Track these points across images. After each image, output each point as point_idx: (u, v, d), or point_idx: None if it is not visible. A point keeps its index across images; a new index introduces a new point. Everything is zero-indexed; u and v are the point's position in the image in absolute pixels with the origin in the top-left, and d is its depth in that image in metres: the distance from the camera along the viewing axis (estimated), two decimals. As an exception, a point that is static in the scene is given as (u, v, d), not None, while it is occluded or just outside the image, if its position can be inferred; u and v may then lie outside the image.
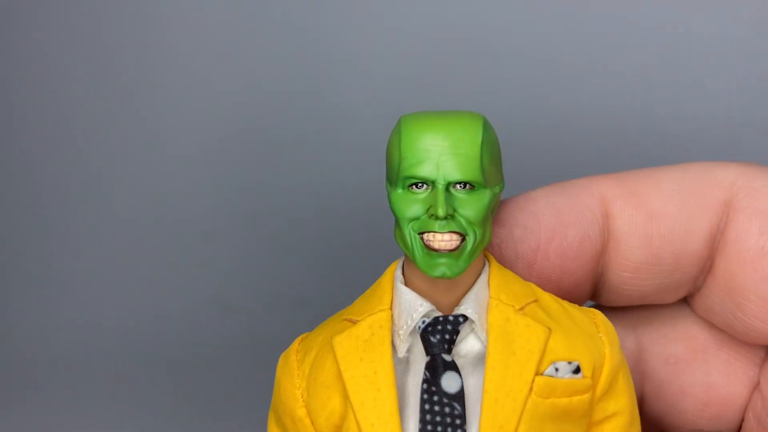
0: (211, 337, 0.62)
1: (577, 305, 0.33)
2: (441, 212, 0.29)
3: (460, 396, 0.29)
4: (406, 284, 0.31)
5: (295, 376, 0.31)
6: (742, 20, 0.53)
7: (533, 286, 0.32)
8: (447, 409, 0.29)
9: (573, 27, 0.55)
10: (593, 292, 0.37)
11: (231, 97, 0.61)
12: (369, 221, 0.57)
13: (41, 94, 0.64)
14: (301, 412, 0.31)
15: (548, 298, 0.32)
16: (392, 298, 0.31)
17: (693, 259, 0.35)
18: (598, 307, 0.38)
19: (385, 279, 0.32)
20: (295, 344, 0.32)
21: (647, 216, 0.35)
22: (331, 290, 0.56)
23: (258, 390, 0.55)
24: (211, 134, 0.62)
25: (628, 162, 0.38)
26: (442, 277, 0.29)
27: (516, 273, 0.35)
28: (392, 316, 0.30)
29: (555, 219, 0.35)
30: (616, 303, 0.37)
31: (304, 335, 0.33)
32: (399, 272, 0.32)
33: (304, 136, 0.60)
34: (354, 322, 0.31)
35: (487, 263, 0.32)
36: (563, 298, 0.36)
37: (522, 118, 0.48)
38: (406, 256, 0.31)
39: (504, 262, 0.35)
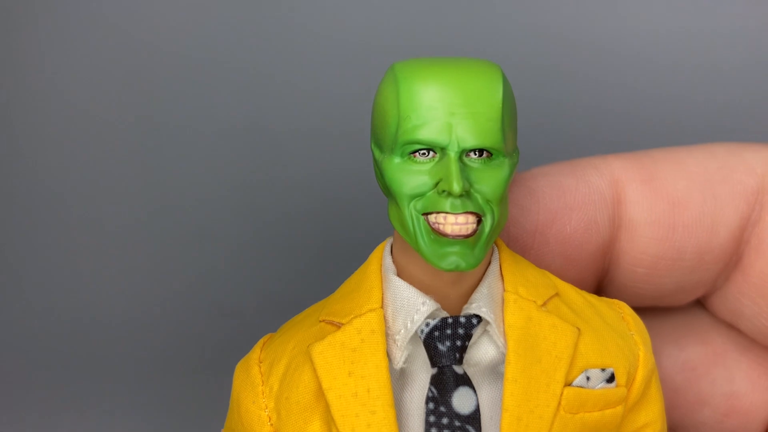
0: (209, 337, 0.60)
1: (600, 297, 0.27)
2: (457, 188, 0.22)
3: (475, 417, 0.23)
4: (399, 275, 0.25)
5: (259, 393, 0.25)
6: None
7: (550, 275, 0.26)
8: None
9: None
10: (596, 291, 0.32)
11: (228, 96, 0.59)
12: (369, 222, 0.53)
13: (40, 92, 0.62)
14: None
15: (569, 290, 0.26)
16: (383, 293, 0.25)
17: (718, 254, 0.30)
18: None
19: (371, 269, 0.25)
20: (257, 351, 0.26)
21: (669, 202, 0.30)
22: (330, 290, 0.55)
23: None
24: (209, 134, 0.60)
25: (639, 143, 0.34)
26: (456, 270, 0.23)
27: None
28: (385, 316, 0.24)
29: (558, 200, 0.30)
30: (627, 303, 0.32)
31: (267, 338, 0.26)
32: (388, 259, 0.25)
33: (303, 136, 0.57)
34: (337, 326, 0.24)
35: (496, 248, 0.26)
36: None
37: (526, 93, 0.46)
38: (396, 239, 0.25)
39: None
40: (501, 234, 0.29)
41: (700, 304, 0.33)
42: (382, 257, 0.25)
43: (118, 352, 0.61)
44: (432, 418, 0.23)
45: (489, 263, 0.25)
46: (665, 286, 0.31)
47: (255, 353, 0.26)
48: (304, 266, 0.58)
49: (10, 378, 0.61)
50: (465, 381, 0.23)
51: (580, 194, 0.30)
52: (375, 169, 0.25)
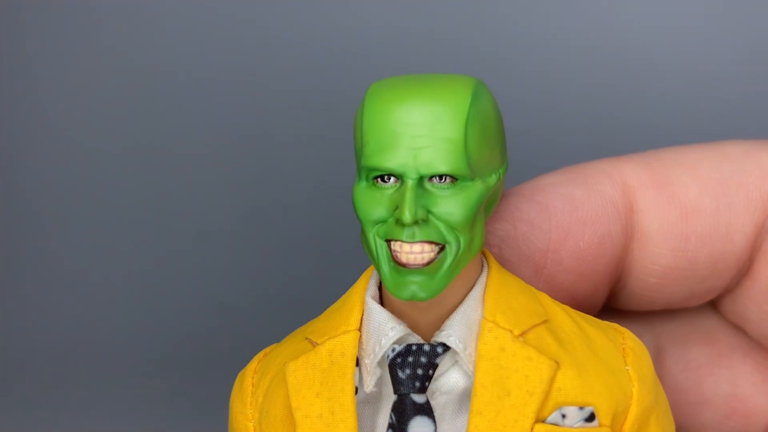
0: (209, 337, 0.60)
1: (601, 323, 0.26)
2: (408, 217, 0.22)
3: None
4: (381, 299, 0.24)
5: (247, 404, 0.25)
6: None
7: (545, 298, 0.25)
8: None
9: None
10: (608, 298, 0.31)
11: (228, 98, 0.59)
12: None
13: (42, 94, 0.63)
14: None
15: (563, 317, 0.25)
16: (362, 316, 0.24)
17: (731, 262, 0.29)
18: (618, 319, 0.32)
19: (356, 290, 0.25)
20: (254, 362, 0.26)
21: (682, 211, 0.28)
22: (329, 290, 0.56)
23: None
24: (209, 135, 0.60)
25: (643, 146, 0.32)
26: (413, 299, 0.22)
27: (521, 277, 0.28)
28: (360, 339, 0.24)
29: (570, 215, 0.28)
30: (636, 308, 0.31)
31: (267, 350, 0.26)
32: (373, 282, 0.25)
33: (302, 137, 0.58)
34: (314, 345, 0.24)
35: (486, 268, 0.25)
36: (576, 307, 0.29)
37: (529, 99, 0.44)
38: None
39: (505, 266, 0.28)
40: (512, 252, 0.28)
41: (709, 303, 0.32)
42: (368, 279, 0.25)
43: (118, 351, 0.61)
44: None
45: (473, 287, 0.24)
46: (677, 295, 0.30)
47: (252, 364, 0.26)
48: (305, 267, 0.59)
49: (10, 378, 0.62)
50: (424, 411, 0.23)
51: (593, 207, 0.28)
52: None
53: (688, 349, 0.32)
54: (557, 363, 0.23)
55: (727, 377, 0.32)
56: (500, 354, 0.23)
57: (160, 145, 0.61)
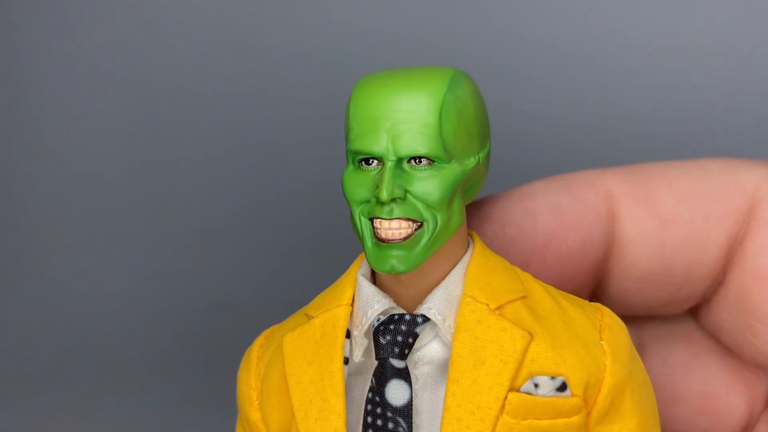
0: (209, 337, 0.60)
1: (581, 301, 0.27)
2: (385, 195, 0.24)
3: (406, 411, 0.24)
4: (372, 276, 0.26)
5: (252, 375, 0.27)
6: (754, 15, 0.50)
7: (527, 277, 0.27)
8: (391, 425, 0.24)
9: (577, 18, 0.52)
10: (589, 300, 0.33)
11: (228, 98, 0.59)
12: None
13: (42, 95, 0.63)
14: (255, 415, 0.27)
15: (542, 295, 0.26)
16: (354, 292, 0.26)
17: (705, 271, 0.31)
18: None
19: (352, 269, 0.27)
20: (261, 337, 0.28)
21: (660, 220, 0.30)
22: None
23: None
24: (210, 135, 0.60)
25: (633, 156, 0.34)
26: (392, 272, 0.24)
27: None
28: (351, 313, 0.26)
29: (555, 220, 0.30)
30: (617, 313, 0.33)
31: (275, 327, 0.28)
32: (365, 262, 0.27)
33: (303, 133, 0.58)
34: (309, 318, 0.26)
35: (471, 247, 0.26)
36: None
37: (523, 108, 0.45)
38: None
39: None
40: (499, 252, 0.30)
41: (688, 312, 0.34)
42: (363, 259, 0.27)
43: (118, 351, 0.61)
44: (369, 407, 0.25)
45: (456, 264, 0.26)
46: (655, 300, 0.32)
47: (260, 339, 0.28)
48: (305, 267, 0.59)
49: (10, 378, 0.61)
50: (401, 375, 0.25)
51: (576, 213, 0.30)
52: None
53: (667, 347, 0.34)
54: (531, 335, 0.24)
55: (701, 376, 0.33)
56: (476, 326, 0.24)
57: (159, 145, 0.61)
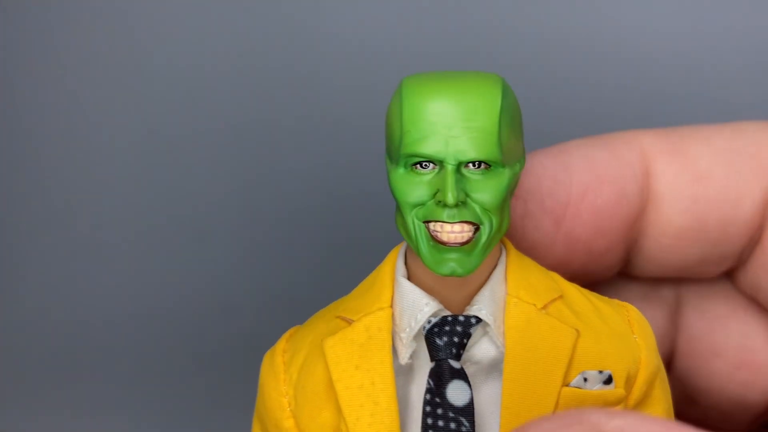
0: (209, 336, 0.60)
1: (606, 299, 0.28)
2: (451, 199, 0.24)
3: (468, 410, 0.25)
4: (409, 277, 0.27)
5: (281, 381, 0.27)
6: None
7: (557, 277, 0.28)
8: (453, 425, 0.24)
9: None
10: (625, 261, 0.33)
11: (227, 94, 0.59)
12: (370, 219, 0.54)
13: (41, 91, 0.62)
14: (287, 423, 0.26)
15: (574, 292, 0.27)
16: (393, 293, 0.26)
17: (741, 228, 0.31)
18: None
19: (385, 270, 0.27)
20: (282, 342, 0.28)
21: (693, 176, 0.31)
22: (331, 289, 0.54)
23: (256, 389, 0.55)
24: (208, 132, 0.60)
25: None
26: (452, 275, 0.25)
27: (542, 229, 0.31)
28: (393, 315, 0.26)
29: (590, 173, 0.31)
30: (651, 273, 0.33)
31: (293, 330, 0.28)
32: (401, 263, 0.27)
33: (303, 133, 0.57)
34: (349, 322, 0.26)
35: (503, 251, 0.27)
36: (593, 262, 0.32)
37: (534, 97, 0.45)
38: (408, 244, 0.27)
39: (529, 216, 0.31)
40: (535, 204, 0.31)
41: (726, 276, 0.34)
42: (396, 260, 0.27)
43: (118, 351, 0.60)
44: (428, 409, 0.25)
45: (495, 266, 0.27)
46: (690, 257, 0.32)
47: (281, 344, 0.28)
48: (306, 265, 0.59)
49: (10, 378, 0.61)
50: (460, 375, 0.25)
51: (612, 168, 0.31)
52: (388, 178, 0.27)
53: (705, 301, 0.34)
54: (577, 331, 0.26)
55: (739, 330, 0.33)
56: (527, 325, 0.25)
57: (161, 144, 0.60)
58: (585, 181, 0.31)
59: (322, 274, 0.58)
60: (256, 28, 0.57)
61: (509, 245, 0.28)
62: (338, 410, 0.25)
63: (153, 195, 0.61)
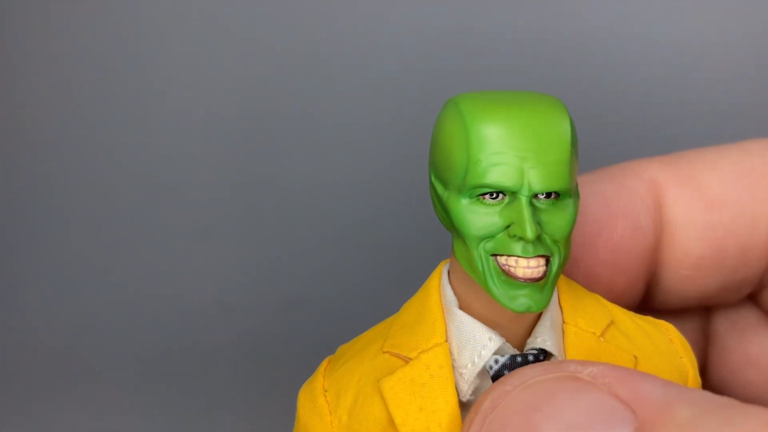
0: (210, 337, 0.59)
1: (648, 318, 0.27)
2: (530, 234, 0.22)
3: None
4: (461, 307, 0.25)
5: (327, 423, 0.25)
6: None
7: (602, 299, 0.27)
8: None
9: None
10: (644, 295, 0.32)
11: (228, 93, 0.58)
12: (370, 220, 0.54)
13: (41, 89, 0.61)
14: None
15: (622, 316, 0.26)
16: (446, 325, 0.25)
17: (761, 251, 0.30)
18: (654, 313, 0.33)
19: (433, 299, 0.25)
20: (320, 378, 0.26)
21: (706, 202, 0.30)
22: (331, 289, 0.55)
23: (257, 390, 0.54)
24: (209, 132, 0.59)
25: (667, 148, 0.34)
26: (528, 311, 0.23)
27: None
28: (450, 349, 0.24)
29: (602, 209, 0.30)
30: (671, 305, 0.32)
31: (327, 363, 0.26)
32: (449, 290, 0.25)
33: (304, 133, 0.57)
34: (404, 360, 0.25)
35: None
36: (615, 301, 0.31)
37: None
38: (456, 270, 0.25)
39: None
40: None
41: (749, 299, 0.33)
42: (441, 286, 0.25)
43: (118, 351, 0.60)
44: None
45: None
46: (710, 287, 0.31)
47: (318, 381, 0.26)
48: (306, 267, 0.58)
49: (10, 378, 0.61)
50: None
51: (622, 201, 0.30)
52: (434, 200, 0.25)
53: (736, 310, 0.33)
54: (636, 357, 0.25)
55: None
56: (589, 354, 0.24)
57: (158, 143, 0.60)
58: (598, 217, 0.30)
59: (322, 276, 0.57)
60: (259, 30, 0.57)
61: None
62: None
63: (154, 197, 0.60)
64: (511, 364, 0.24)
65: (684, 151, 0.32)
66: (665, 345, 0.26)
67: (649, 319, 0.27)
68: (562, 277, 0.26)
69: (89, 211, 0.61)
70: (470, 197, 0.23)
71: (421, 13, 0.54)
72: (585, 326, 0.25)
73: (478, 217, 0.23)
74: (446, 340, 0.24)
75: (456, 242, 0.24)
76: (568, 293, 0.26)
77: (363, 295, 0.51)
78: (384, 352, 0.25)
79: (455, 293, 0.25)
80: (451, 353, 0.24)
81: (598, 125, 0.50)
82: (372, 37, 0.55)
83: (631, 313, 0.27)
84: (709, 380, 0.34)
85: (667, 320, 0.32)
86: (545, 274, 0.23)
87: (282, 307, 0.57)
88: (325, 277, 0.56)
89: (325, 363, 0.26)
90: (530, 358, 0.24)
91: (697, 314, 0.34)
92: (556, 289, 0.26)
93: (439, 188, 0.24)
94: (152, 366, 0.59)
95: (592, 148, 0.42)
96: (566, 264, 0.24)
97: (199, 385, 0.57)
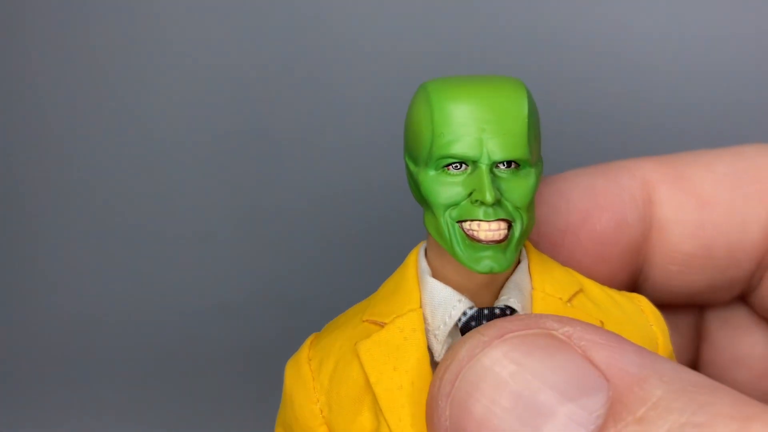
0: (210, 337, 0.60)
1: (622, 292, 0.28)
2: (489, 198, 0.24)
3: None
4: (434, 276, 0.27)
5: (311, 389, 0.27)
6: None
7: (574, 272, 0.28)
8: None
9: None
10: (631, 289, 0.32)
11: (228, 95, 0.60)
12: (369, 219, 0.54)
13: (35, 91, 0.63)
14: (321, 430, 0.26)
15: (592, 286, 0.28)
16: (421, 293, 0.27)
17: (749, 252, 0.31)
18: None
19: (409, 272, 0.27)
20: (305, 350, 0.28)
21: (698, 202, 0.31)
22: (331, 289, 0.55)
23: (257, 390, 0.54)
24: (210, 133, 0.60)
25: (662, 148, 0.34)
26: (490, 272, 0.25)
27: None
28: (424, 315, 0.26)
29: (588, 200, 0.31)
30: (661, 300, 0.32)
31: (313, 337, 0.28)
32: (424, 262, 0.27)
33: (303, 134, 0.58)
34: (381, 325, 0.26)
35: (524, 248, 0.28)
36: None
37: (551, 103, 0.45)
38: (431, 243, 0.27)
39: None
40: (531, 236, 0.30)
41: (740, 300, 0.33)
42: (417, 260, 0.27)
43: (118, 352, 0.61)
44: None
45: (518, 262, 0.27)
46: (698, 284, 0.31)
47: (304, 352, 0.28)
48: (305, 267, 0.58)
49: (10, 378, 0.61)
50: None
51: (610, 194, 0.31)
52: (409, 180, 0.27)
53: (728, 309, 0.34)
54: (602, 322, 0.26)
55: (764, 340, 0.33)
56: None
57: (160, 144, 0.60)
58: (584, 208, 0.31)
59: (322, 276, 0.58)
60: (259, 33, 0.57)
61: (529, 244, 0.28)
62: (375, 413, 0.25)
63: (156, 198, 0.61)
64: (479, 316, 0.25)
65: (680, 153, 0.32)
66: (635, 314, 0.27)
67: (623, 292, 0.28)
68: (533, 250, 0.27)
69: (91, 213, 0.62)
70: (436, 169, 0.25)
71: (421, 14, 0.54)
72: (552, 292, 0.26)
73: (444, 187, 0.25)
74: (420, 307, 0.26)
75: (426, 214, 0.26)
76: (538, 264, 0.27)
77: (365, 297, 0.51)
78: (363, 321, 0.27)
79: (430, 265, 0.27)
80: (425, 318, 0.26)
81: (598, 124, 0.50)
82: (373, 41, 0.55)
83: (605, 287, 0.28)
84: None
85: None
86: (507, 237, 0.25)
87: (284, 310, 0.58)
88: (328, 280, 0.56)
89: (311, 337, 0.28)
90: (497, 311, 0.25)
91: (691, 312, 0.34)
92: (526, 258, 0.27)
93: (411, 166, 0.26)
94: (153, 366, 0.60)
95: (593, 147, 0.43)
96: (530, 230, 0.26)
97: (200, 386, 0.58)
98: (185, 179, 0.61)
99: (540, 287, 0.26)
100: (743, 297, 0.33)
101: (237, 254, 0.60)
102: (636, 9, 0.51)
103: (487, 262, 0.25)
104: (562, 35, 0.52)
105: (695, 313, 0.34)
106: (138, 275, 0.62)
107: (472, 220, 0.25)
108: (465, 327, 0.26)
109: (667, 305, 0.33)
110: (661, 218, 0.31)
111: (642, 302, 0.28)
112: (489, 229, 0.25)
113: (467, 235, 0.25)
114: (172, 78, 0.60)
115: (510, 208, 0.25)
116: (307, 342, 0.28)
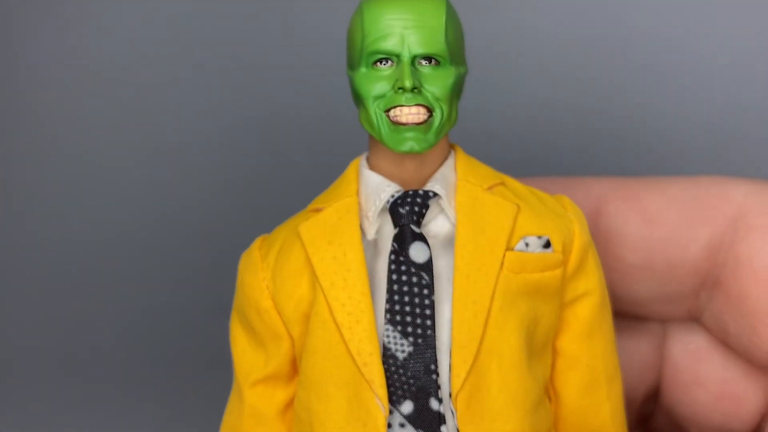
0: (210, 337, 0.59)
1: (547, 194, 0.32)
2: (408, 83, 0.28)
3: (428, 266, 0.29)
4: (371, 168, 0.31)
5: (259, 269, 0.31)
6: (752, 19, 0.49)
7: (501, 174, 0.32)
8: (415, 279, 0.28)
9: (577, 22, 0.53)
10: None
11: (228, 93, 0.61)
12: None
13: (34, 87, 0.64)
14: (266, 303, 0.30)
15: (516, 183, 0.32)
16: (358, 186, 0.31)
17: (689, 269, 0.33)
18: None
19: (350, 170, 0.31)
20: (257, 243, 0.32)
21: (644, 219, 0.34)
22: None
23: None
24: (210, 131, 0.61)
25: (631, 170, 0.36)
26: (410, 151, 0.29)
27: None
28: (359, 202, 0.30)
29: None
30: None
31: (264, 236, 0.32)
32: (364, 160, 0.31)
33: (302, 132, 0.59)
34: (320, 210, 0.31)
35: (453, 151, 0.32)
36: None
37: (522, 119, 0.46)
38: (370, 140, 0.31)
39: None
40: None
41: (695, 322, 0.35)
42: (359, 160, 0.32)
43: (118, 351, 0.61)
44: (393, 266, 0.29)
45: (446, 159, 0.31)
46: (638, 293, 0.34)
47: (256, 244, 0.32)
48: None
49: (10, 378, 0.62)
50: (420, 237, 0.29)
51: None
52: (352, 95, 0.31)
53: (689, 333, 0.36)
54: (518, 206, 0.30)
55: (720, 363, 0.35)
56: (474, 202, 0.30)
57: (159, 142, 0.61)
58: None
59: None
60: (259, 30, 0.59)
61: (458, 148, 0.32)
62: (313, 285, 0.29)
63: (155, 196, 0.62)
64: (404, 197, 0.30)
65: (640, 176, 0.35)
66: (554, 205, 0.31)
67: (547, 194, 0.32)
68: (462, 152, 0.31)
69: (89, 211, 0.63)
70: (366, 66, 0.30)
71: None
72: (474, 182, 0.30)
73: (373, 81, 0.29)
74: (356, 195, 0.31)
75: (360, 111, 0.30)
76: (464, 161, 0.31)
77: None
78: (307, 211, 0.32)
79: (369, 160, 0.32)
80: (360, 205, 0.30)
81: (595, 124, 0.50)
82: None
83: (530, 187, 0.32)
84: (662, 398, 0.37)
85: (627, 338, 0.36)
86: (426, 121, 0.29)
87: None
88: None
89: (263, 236, 0.33)
90: (420, 192, 0.30)
91: (655, 337, 0.36)
92: (453, 157, 0.31)
93: (349, 73, 0.31)
94: (153, 366, 0.60)
95: (593, 147, 0.44)
96: (452, 123, 0.30)
97: (200, 386, 0.58)
98: (184, 176, 0.62)
99: (463, 177, 0.30)
100: (697, 318, 0.35)
101: (236, 253, 0.63)
102: (636, 9, 0.51)
103: (409, 143, 0.29)
104: (561, 34, 0.52)
105: (659, 338, 0.36)
106: (137, 275, 0.63)
107: (395, 107, 0.29)
108: (392, 206, 0.30)
109: (632, 326, 0.36)
110: (606, 230, 0.34)
111: (564, 200, 0.31)
112: (410, 113, 0.29)
113: (392, 121, 0.29)
114: (172, 74, 0.61)
115: (430, 98, 0.29)
116: (259, 239, 0.32)
